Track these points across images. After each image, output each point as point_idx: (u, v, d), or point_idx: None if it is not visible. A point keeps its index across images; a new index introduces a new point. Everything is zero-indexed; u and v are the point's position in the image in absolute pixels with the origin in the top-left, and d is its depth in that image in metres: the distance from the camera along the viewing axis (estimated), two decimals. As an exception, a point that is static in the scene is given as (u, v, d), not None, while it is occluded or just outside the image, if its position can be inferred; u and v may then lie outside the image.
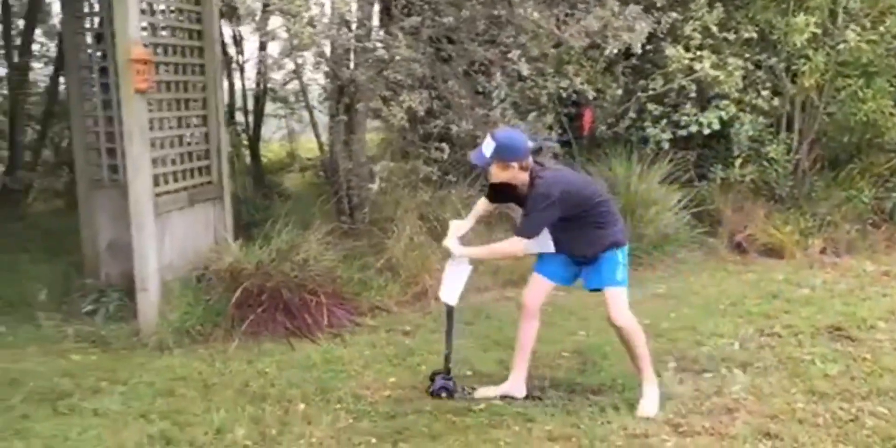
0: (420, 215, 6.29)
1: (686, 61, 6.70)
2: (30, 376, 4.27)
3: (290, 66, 6.83)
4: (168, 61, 5.25)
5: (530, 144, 3.74)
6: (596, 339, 4.80)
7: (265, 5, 6.22)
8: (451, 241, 3.91)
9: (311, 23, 5.75)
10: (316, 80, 8.39)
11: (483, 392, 4.03)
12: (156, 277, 4.85)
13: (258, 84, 10.27)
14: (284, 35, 6.49)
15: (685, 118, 7.32)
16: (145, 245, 4.81)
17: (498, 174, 3.75)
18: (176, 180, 5.31)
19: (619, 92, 7.35)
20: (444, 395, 3.96)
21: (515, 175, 3.72)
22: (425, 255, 5.89)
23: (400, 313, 5.46)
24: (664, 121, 7.38)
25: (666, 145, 7.34)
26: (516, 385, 4.03)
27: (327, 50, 6.24)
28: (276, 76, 10.27)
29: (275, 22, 7.53)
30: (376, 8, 6.70)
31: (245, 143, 10.05)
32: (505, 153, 3.66)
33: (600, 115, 7.52)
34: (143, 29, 4.92)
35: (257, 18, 6.83)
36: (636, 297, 5.80)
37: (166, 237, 5.05)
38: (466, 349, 4.65)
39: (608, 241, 3.79)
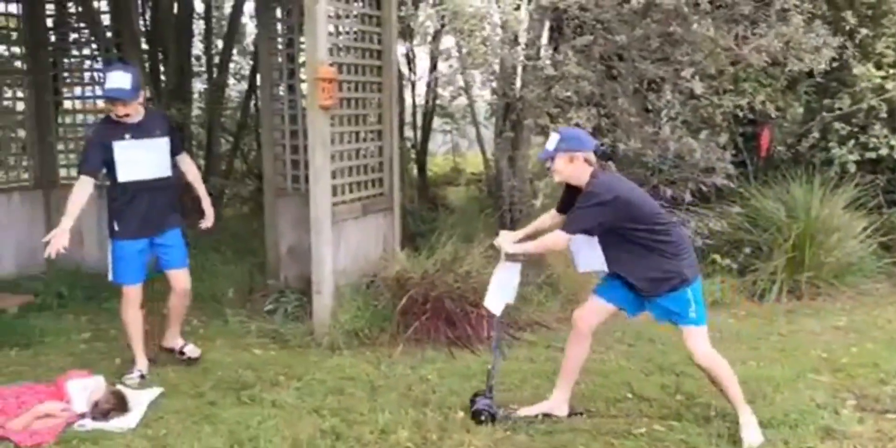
0: (583, 232, 6.27)
1: (877, 80, 6.27)
2: (218, 366, 4.69)
3: (459, 83, 7.07)
4: (350, 79, 5.59)
5: (595, 142, 3.76)
6: (767, 370, 4.58)
7: (441, 25, 6.47)
8: (502, 239, 3.91)
9: (483, 42, 5.93)
10: (482, 97, 8.61)
11: (525, 411, 3.99)
12: (330, 281, 5.16)
13: (427, 100, 10.66)
14: (456, 53, 6.74)
15: (874, 140, 6.83)
16: (322, 251, 5.13)
17: (562, 170, 3.69)
18: (352, 191, 5.64)
19: (801, 111, 6.98)
20: (483, 417, 3.84)
21: (579, 170, 3.66)
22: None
23: (559, 330, 5.46)
24: (851, 142, 6.93)
25: (852, 168, 6.88)
26: (558, 404, 4.00)
27: (496, 68, 6.40)
28: (445, 93, 10.63)
29: (447, 41, 7.81)
30: (547, 26, 6.79)
31: (413, 156, 10.43)
32: (570, 142, 3.67)
33: (779, 135, 7.17)
34: (329, 50, 5.28)
35: (429, 38, 7.13)
36: (814, 328, 5.55)
37: (341, 244, 5.37)
38: (627, 372, 4.59)
39: (673, 276, 3.61)
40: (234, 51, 10.32)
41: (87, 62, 7.12)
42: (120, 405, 3.92)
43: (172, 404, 4.09)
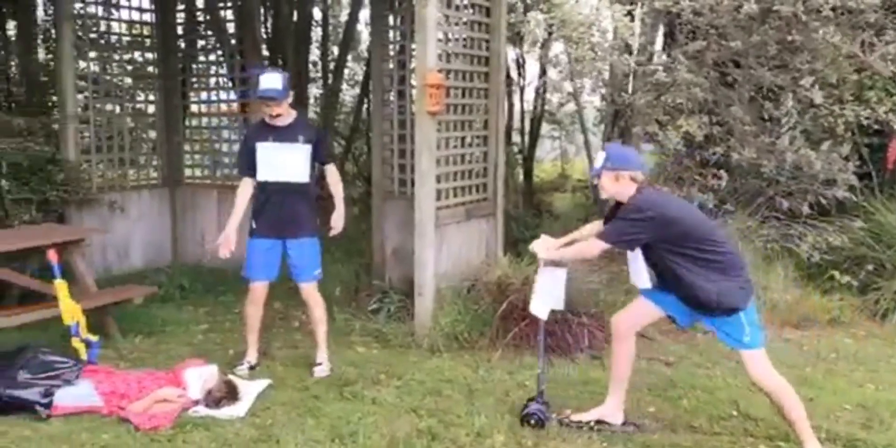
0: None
1: None
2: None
3: (568, 89, 7.05)
4: (457, 85, 5.67)
5: (642, 159, 3.70)
6: (886, 394, 4.33)
7: (549, 33, 6.47)
8: (539, 244, 3.91)
9: (592, 48, 5.89)
10: (592, 103, 8.54)
11: (578, 417, 3.95)
12: (432, 284, 5.26)
13: (535, 106, 10.65)
14: (565, 59, 6.72)
15: None
16: (425, 254, 5.23)
17: (608, 187, 3.70)
18: (456, 195, 5.72)
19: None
20: (533, 421, 3.88)
21: (624, 187, 3.66)
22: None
23: (663, 343, 5.34)
24: None
25: None
26: (612, 411, 3.95)
27: (606, 74, 6.34)
28: (554, 99, 10.59)
29: (556, 47, 7.80)
30: (660, 32, 6.66)
31: (519, 162, 10.44)
32: (616, 161, 3.67)
33: (908, 147, 6.73)
34: (438, 56, 5.37)
35: (539, 45, 7.14)
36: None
37: (444, 248, 5.45)
38: (734, 389, 4.46)
39: (723, 299, 3.51)
40: (349, 57, 10.67)
41: (213, 68, 7.53)
42: (231, 394, 4.13)
43: (279, 396, 4.28)
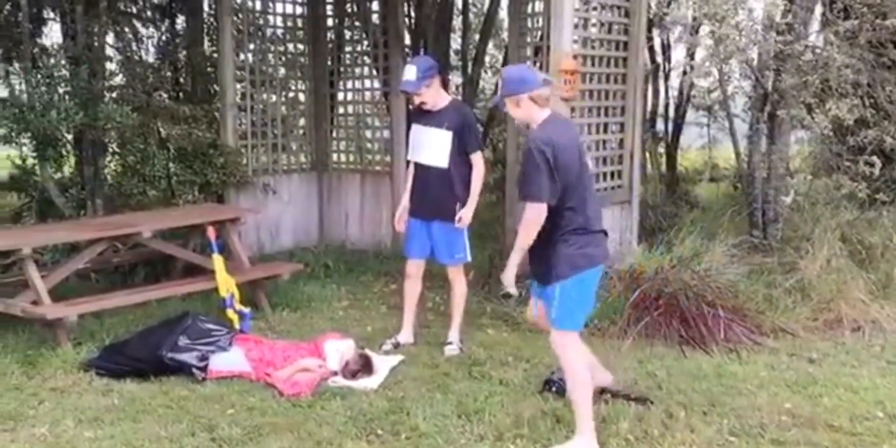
0: (842, 236, 5.76)
1: None
2: (453, 342, 5.02)
3: (715, 73, 6.77)
4: (594, 71, 5.62)
5: (541, 76, 3.52)
6: None
7: (694, 17, 6.25)
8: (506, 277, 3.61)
9: (736, 27, 5.63)
10: (742, 88, 8.15)
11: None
12: (563, 270, 5.25)
13: (681, 92, 10.31)
14: (711, 43, 6.46)
15: None
16: (557, 240, 5.23)
17: (515, 115, 3.55)
18: (591, 182, 5.67)
19: None
20: (553, 389, 4.01)
21: (531, 112, 3.46)
22: (843, 280, 5.40)
23: (807, 339, 5.09)
24: None
25: None
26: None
27: (754, 55, 6.05)
28: (702, 83, 10.21)
29: (703, 30, 7.50)
30: (812, 10, 6.27)
31: (662, 150, 10.17)
32: (510, 85, 3.48)
33: None
34: (575, 42, 5.34)
35: (684, 27, 6.88)
36: None
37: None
38: (881, 390, 4.22)
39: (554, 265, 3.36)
40: (490, 44, 10.75)
41: (359, 58, 7.84)
42: (366, 367, 4.36)
43: (411, 372, 4.47)
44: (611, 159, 5.90)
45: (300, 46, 7.72)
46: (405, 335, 5.01)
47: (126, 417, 3.80)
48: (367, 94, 7.77)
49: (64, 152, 6.76)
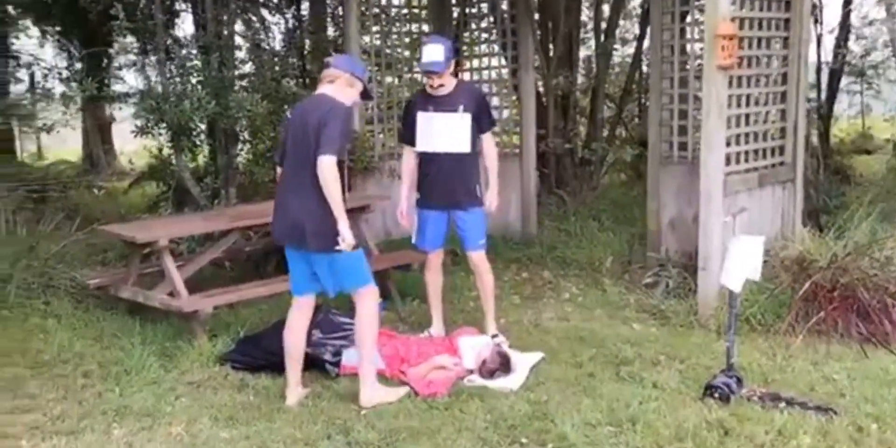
0: None
1: None
2: (596, 338, 4.63)
3: (878, 35, 5.98)
4: (751, 35, 5.02)
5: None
6: None
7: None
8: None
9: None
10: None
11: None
12: (719, 258, 4.75)
13: (837, 55, 9.36)
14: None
15: None
16: (711, 224, 4.74)
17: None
18: (747, 160, 5.11)
19: None
20: (717, 395, 3.60)
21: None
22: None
23: None
24: None
25: None
26: None
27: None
28: (856, 48, 9.21)
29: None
30: None
31: (815, 120, 9.25)
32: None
33: None
34: (732, 2, 4.77)
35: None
36: None
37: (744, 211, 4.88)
38: None
39: None
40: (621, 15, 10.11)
41: (484, 34, 7.49)
42: (504, 366, 4.06)
43: (553, 371, 4.13)
44: (770, 134, 5.29)
45: (424, 27, 7.44)
46: (437, 327, 4.75)
47: (261, 417, 3.67)
48: (493, 72, 7.41)
49: (198, 142, 6.85)
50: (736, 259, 3.67)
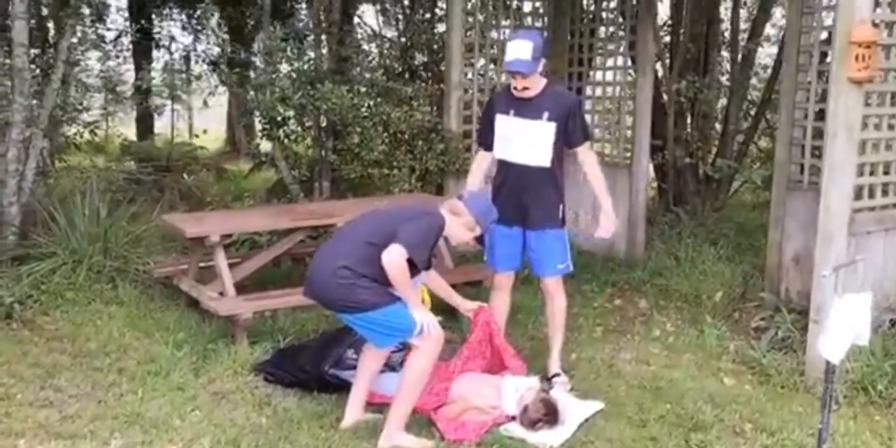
0: None
1: None
2: (675, 390, 3.98)
3: None
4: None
5: None
6: None
7: None
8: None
9: None
10: None
11: None
12: (836, 311, 3.94)
13: None
14: None
15: None
16: (829, 268, 3.92)
17: None
18: (885, 194, 4.23)
19: None
20: None
21: None
22: None
23: None
24: None
25: None
26: None
27: None
28: None
29: None
30: None
31: None
32: None
33: None
34: (877, 4, 3.92)
35: None
36: None
37: (859, 263, 4.05)
38: None
39: None
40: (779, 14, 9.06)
41: (602, 30, 6.83)
42: (550, 416, 3.52)
43: (607, 429, 3.53)
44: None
45: (537, 24, 6.88)
46: None
47: (266, 443, 3.34)
48: (608, 74, 6.74)
49: (298, 131, 6.70)
50: (837, 323, 2.93)
